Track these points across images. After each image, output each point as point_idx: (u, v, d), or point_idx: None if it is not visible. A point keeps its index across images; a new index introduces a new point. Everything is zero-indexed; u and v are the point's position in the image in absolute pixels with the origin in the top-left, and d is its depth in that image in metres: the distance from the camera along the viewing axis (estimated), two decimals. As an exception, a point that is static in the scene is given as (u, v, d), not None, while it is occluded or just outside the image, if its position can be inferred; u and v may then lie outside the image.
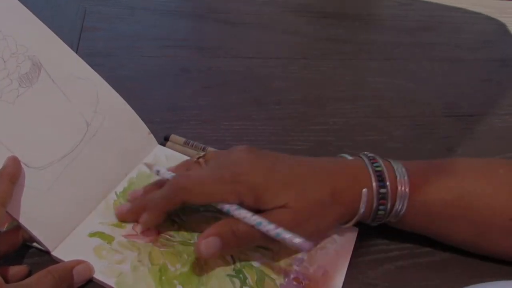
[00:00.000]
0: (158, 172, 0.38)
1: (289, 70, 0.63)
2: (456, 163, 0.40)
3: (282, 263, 0.37)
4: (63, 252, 0.35)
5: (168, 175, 0.37)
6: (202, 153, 0.39)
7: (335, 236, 0.39)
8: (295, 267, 0.37)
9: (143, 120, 0.44)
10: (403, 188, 0.36)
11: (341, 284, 0.36)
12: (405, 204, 0.36)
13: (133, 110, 0.44)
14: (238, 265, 0.36)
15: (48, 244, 0.35)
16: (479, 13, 0.86)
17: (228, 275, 0.35)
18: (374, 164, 0.37)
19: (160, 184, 0.38)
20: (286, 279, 0.36)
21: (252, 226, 0.33)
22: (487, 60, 0.72)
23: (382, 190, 0.35)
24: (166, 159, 0.44)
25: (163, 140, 0.47)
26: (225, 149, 0.39)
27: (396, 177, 0.36)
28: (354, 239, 0.39)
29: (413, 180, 0.36)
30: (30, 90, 0.38)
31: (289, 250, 0.38)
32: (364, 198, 0.35)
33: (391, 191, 0.35)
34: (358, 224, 0.38)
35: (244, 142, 0.48)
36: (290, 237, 0.31)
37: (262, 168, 0.35)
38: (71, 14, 0.67)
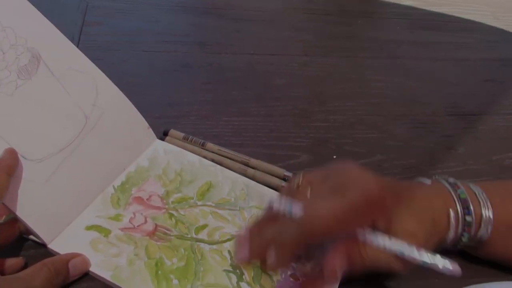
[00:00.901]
0: (272, 203, 0.33)
1: (290, 66, 0.62)
2: None
3: (280, 259, 0.37)
4: (59, 245, 0.35)
5: (289, 208, 0.32)
6: (295, 178, 0.34)
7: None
8: (292, 264, 0.36)
9: (142, 114, 0.44)
10: (487, 215, 0.34)
11: (338, 282, 0.36)
12: (489, 230, 0.35)
13: (132, 105, 0.44)
14: (235, 260, 0.36)
15: (45, 236, 0.34)
16: (482, 13, 0.86)
17: (224, 270, 0.35)
18: (458, 191, 0.35)
19: (271, 216, 0.33)
20: (283, 275, 0.36)
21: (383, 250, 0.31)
22: (489, 60, 0.72)
23: (468, 219, 0.34)
24: (165, 154, 0.44)
25: (162, 135, 0.47)
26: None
27: (479, 202, 0.35)
28: (352, 237, 0.39)
29: (494, 204, 0.35)
30: (29, 82, 0.37)
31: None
32: (452, 227, 0.34)
33: (476, 218, 0.34)
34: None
35: (244, 138, 0.49)
36: (443, 263, 0.30)
37: (387, 188, 0.32)
38: (73, 8, 0.67)
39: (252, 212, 0.40)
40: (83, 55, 0.42)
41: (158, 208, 0.39)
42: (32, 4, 0.40)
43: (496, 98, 0.63)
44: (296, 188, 0.33)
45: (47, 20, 0.41)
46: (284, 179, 0.44)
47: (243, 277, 0.35)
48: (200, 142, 0.46)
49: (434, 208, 0.34)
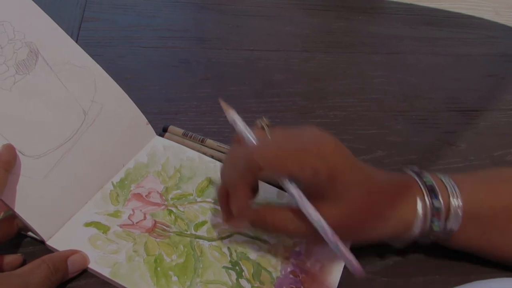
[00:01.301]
0: (234, 123, 0.35)
1: (289, 62, 0.62)
2: (502, 172, 0.38)
3: (279, 256, 0.37)
4: (58, 241, 0.35)
5: (246, 133, 0.34)
6: (264, 121, 0.35)
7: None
8: (292, 260, 0.36)
9: (141, 110, 0.44)
10: (456, 202, 0.34)
11: (338, 279, 0.35)
12: (460, 217, 0.34)
13: (131, 100, 0.43)
14: (234, 257, 0.36)
15: (43, 233, 0.34)
16: (484, 8, 0.85)
17: (224, 267, 0.35)
18: (423, 178, 0.35)
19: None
20: (283, 272, 0.35)
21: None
22: (491, 55, 0.71)
23: (436, 204, 0.34)
24: (164, 150, 0.44)
25: (162, 131, 0.46)
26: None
27: (446, 188, 0.34)
28: (353, 233, 0.39)
29: (463, 191, 0.34)
30: (27, 77, 0.37)
31: (287, 243, 0.37)
32: (419, 213, 0.34)
33: (444, 204, 0.34)
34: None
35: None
36: (350, 258, 0.31)
37: (345, 152, 0.32)
38: (72, 4, 0.66)
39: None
40: (82, 50, 0.42)
41: (157, 204, 0.39)
42: (30, -1, 0.40)
43: (498, 94, 0.62)
44: (260, 127, 0.35)
45: (46, 15, 0.40)
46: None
47: (243, 273, 0.35)
48: (200, 138, 0.46)
49: (395, 196, 0.34)
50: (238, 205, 0.33)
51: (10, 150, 0.34)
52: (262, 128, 0.35)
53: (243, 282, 0.34)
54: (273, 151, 0.32)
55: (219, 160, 0.44)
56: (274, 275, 0.35)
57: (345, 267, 0.36)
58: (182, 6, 0.72)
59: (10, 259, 0.33)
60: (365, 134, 0.52)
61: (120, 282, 0.33)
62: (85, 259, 0.34)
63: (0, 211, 0.35)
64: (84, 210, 0.37)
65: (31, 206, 0.34)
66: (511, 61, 0.71)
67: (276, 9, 0.75)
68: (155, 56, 0.59)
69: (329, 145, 0.32)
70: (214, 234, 0.37)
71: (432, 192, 0.34)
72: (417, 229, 0.34)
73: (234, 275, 0.35)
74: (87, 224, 0.36)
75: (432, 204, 0.34)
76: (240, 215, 0.33)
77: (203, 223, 0.38)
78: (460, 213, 0.34)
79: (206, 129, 0.48)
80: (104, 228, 0.36)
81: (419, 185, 0.34)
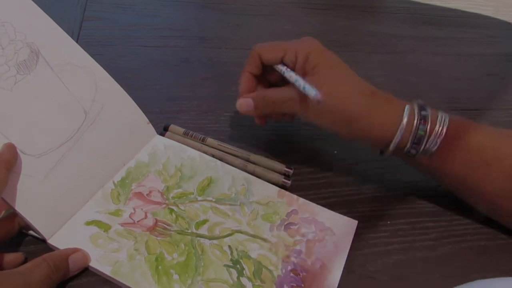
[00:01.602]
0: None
1: (290, 62, 0.62)
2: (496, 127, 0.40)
3: (280, 254, 0.37)
4: (59, 240, 0.35)
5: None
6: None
7: (334, 229, 0.39)
8: (292, 259, 0.36)
9: (142, 109, 0.44)
10: (443, 116, 0.37)
11: (338, 277, 0.36)
12: (444, 129, 0.36)
13: (132, 100, 0.43)
14: (235, 255, 0.36)
15: (44, 232, 0.34)
16: (484, 7, 0.85)
17: (225, 265, 0.35)
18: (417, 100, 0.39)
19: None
20: (284, 271, 0.35)
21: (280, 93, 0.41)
22: (491, 55, 0.71)
23: (424, 113, 0.37)
24: (165, 149, 0.44)
25: (163, 130, 0.47)
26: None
27: (437, 110, 0.38)
28: (353, 232, 0.39)
29: (453, 121, 0.37)
30: (28, 77, 0.37)
31: (287, 242, 0.37)
32: (406, 112, 0.37)
33: (432, 116, 0.37)
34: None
35: (244, 133, 0.48)
36: (308, 87, 0.37)
37: (325, 49, 0.41)
38: (73, 3, 0.66)
39: (253, 208, 0.40)
40: (82, 50, 0.42)
41: (158, 203, 0.39)
42: (31, -1, 0.40)
43: (498, 93, 0.62)
44: None
45: (47, 15, 0.40)
46: (284, 174, 0.44)
47: (244, 272, 0.35)
48: (200, 138, 0.46)
49: (378, 97, 0.39)
50: (243, 86, 0.43)
51: (11, 149, 0.34)
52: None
53: (244, 280, 0.34)
54: (268, 44, 0.42)
55: (220, 159, 0.44)
56: (275, 273, 0.35)
57: (345, 266, 0.36)
58: (182, 5, 0.72)
59: (11, 257, 0.33)
60: (366, 133, 0.51)
61: (121, 281, 0.33)
62: (86, 257, 0.34)
63: (1, 209, 0.35)
64: (85, 209, 0.37)
65: (32, 205, 0.34)
66: (511, 60, 0.71)
67: (276, 8, 0.75)
68: (156, 55, 0.59)
69: (310, 40, 0.41)
70: (215, 233, 0.37)
71: (421, 106, 0.38)
72: (401, 131, 0.37)
73: (235, 274, 0.35)
74: (88, 223, 0.36)
75: (420, 114, 0.37)
76: (244, 92, 0.43)
77: (204, 221, 0.38)
78: (445, 127, 0.36)
79: (207, 128, 0.48)
80: (105, 227, 0.36)
81: (411, 102, 0.38)
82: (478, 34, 0.77)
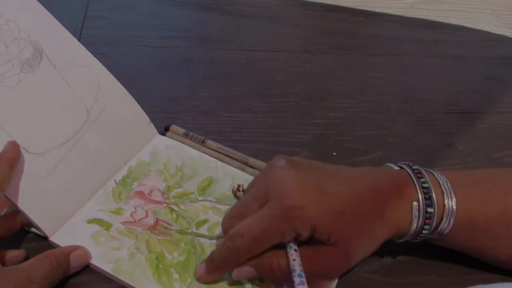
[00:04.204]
0: None
1: (291, 63, 0.62)
2: (499, 175, 0.38)
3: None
4: (61, 237, 0.35)
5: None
6: (237, 186, 0.39)
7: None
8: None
9: (144, 109, 0.44)
10: (450, 205, 0.34)
11: (337, 277, 0.36)
12: (451, 223, 0.34)
13: (134, 99, 0.44)
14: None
15: (46, 229, 0.35)
16: (483, 10, 0.86)
17: (224, 264, 0.35)
18: (421, 180, 0.35)
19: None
20: None
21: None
22: (489, 58, 0.72)
23: (429, 210, 0.34)
24: (166, 149, 0.44)
25: (164, 130, 0.47)
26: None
27: (443, 193, 0.34)
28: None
29: (458, 196, 0.34)
30: (32, 75, 0.38)
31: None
32: (414, 219, 0.34)
33: (438, 209, 0.34)
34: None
35: (244, 134, 0.49)
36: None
37: (313, 194, 0.32)
38: (75, 2, 0.67)
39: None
40: (85, 49, 0.42)
41: (159, 202, 0.39)
42: (34, -2, 0.40)
43: (496, 96, 0.63)
44: (234, 197, 0.39)
45: (50, 14, 0.41)
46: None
47: (243, 271, 0.35)
48: (200, 139, 0.46)
49: (386, 200, 0.34)
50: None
51: (15, 147, 0.34)
52: (236, 193, 0.38)
53: (243, 280, 0.35)
54: (248, 239, 0.31)
55: (220, 160, 0.44)
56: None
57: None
58: (184, 6, 0.73)
59: (14, 254, 0.33)
60: (365, 135, 0.52)
61: (122, 278, 0.33)
62: (87, 255, 0.34)
63: (3, 206, 0.36)
64: (86, 207, 0.37)
65: (34, 202, 0.34)
66: (510, 63, 0.71)
67: (277, 10, 0.76)
68: (157, 55, 0.59)
69: (294, 193, 0.31)
70: (215, 233, 0.38)
71: (427, 195, 0.34)
72: (410, 232, 0.34)
73: (234, 273, 0.35)
74: (90, 221, 0.37)
75: (426, 211, 0.34)
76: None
77: (204, 221, 0.38)
78: (453, 219, 0.34)
79: (207, 128, 0.48)
80: (106, 225, 0.36)
81: (415, 187, 0.34)
82: (477, 37, 0.77)
